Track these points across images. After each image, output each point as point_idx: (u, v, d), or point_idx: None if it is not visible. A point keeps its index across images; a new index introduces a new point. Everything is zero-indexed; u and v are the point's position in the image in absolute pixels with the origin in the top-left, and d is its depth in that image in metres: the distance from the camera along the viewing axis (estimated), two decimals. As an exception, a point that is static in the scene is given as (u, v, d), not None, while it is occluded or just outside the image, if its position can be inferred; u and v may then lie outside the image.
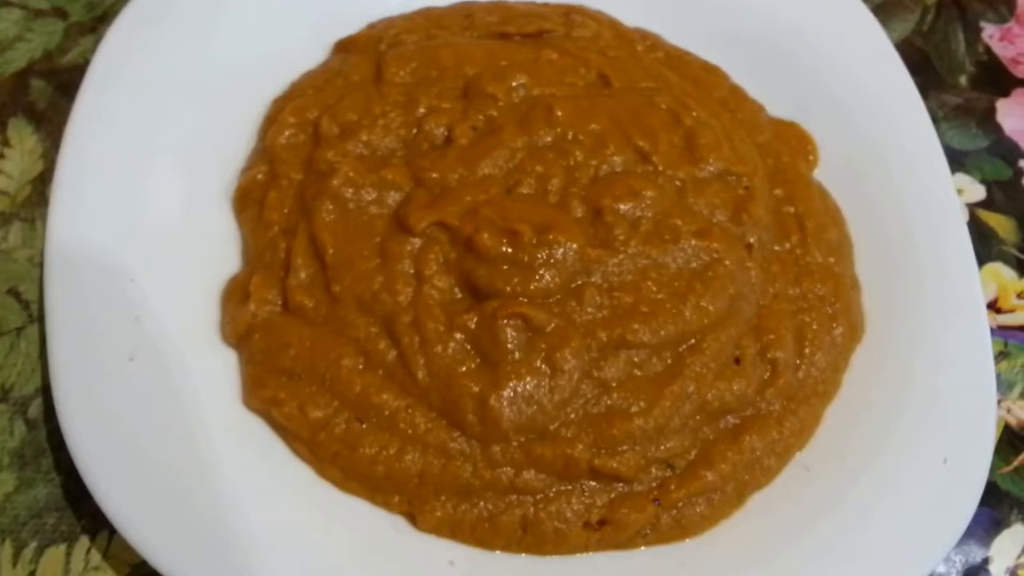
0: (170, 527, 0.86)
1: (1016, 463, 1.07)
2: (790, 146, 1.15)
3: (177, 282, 0.99)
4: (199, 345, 0.97)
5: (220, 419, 0.94)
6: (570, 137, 1.05)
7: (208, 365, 0.96)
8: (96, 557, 0.96)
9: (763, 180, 1.09)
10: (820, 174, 1.15)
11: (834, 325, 1.03)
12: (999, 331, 1.13)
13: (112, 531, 0.95)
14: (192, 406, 0.93)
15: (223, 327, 0.99)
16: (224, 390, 0.96)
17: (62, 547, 0.96)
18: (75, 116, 1.03)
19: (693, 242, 1.00)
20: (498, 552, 0.92)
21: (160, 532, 0.86)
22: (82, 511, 0.97)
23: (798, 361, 1.00)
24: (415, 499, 0.92)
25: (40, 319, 1.04)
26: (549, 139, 1.04)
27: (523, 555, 0.92)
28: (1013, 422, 1.09)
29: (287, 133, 1.07)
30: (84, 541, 0.96)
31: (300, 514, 0.91)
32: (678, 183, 1.04)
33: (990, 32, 1.40)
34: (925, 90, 1.18)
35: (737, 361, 0.98)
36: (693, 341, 0.97)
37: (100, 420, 0.89)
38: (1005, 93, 1.34)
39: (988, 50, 1.38)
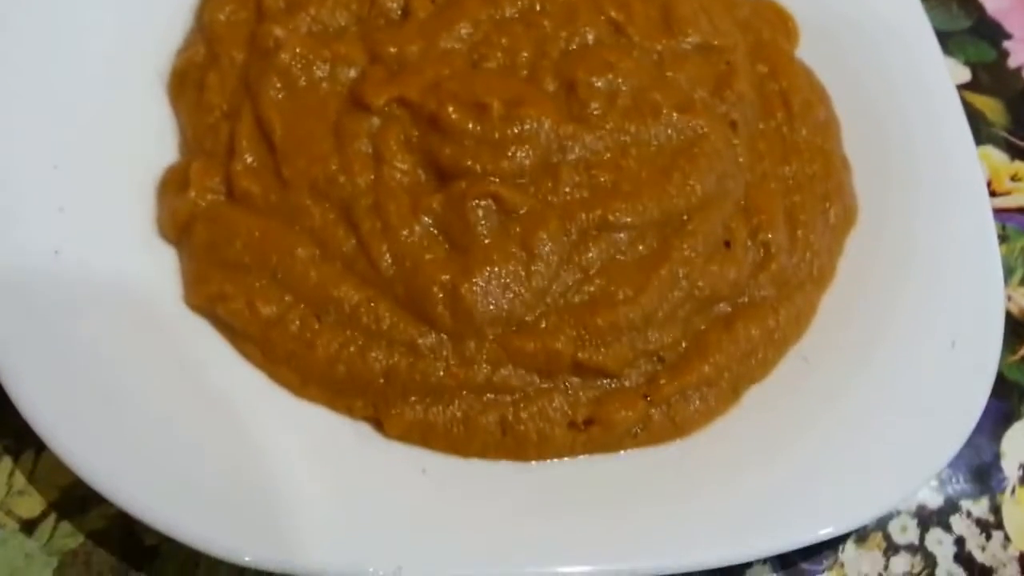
0: (106, 441, 0.77)
1: (1023, 352, 1.00)
2: (770, 23, 1.07)
3: (105, 173, 0.89)
4: (133, 240, 0.87)
5: (158, 320, 0.84)
6: (538, 8, 0.96)
7: (143, 262, 0.87)
8: (20, 480, 0.87)
9: (744, 55, 1.02)
10: (801, 53, 1.07)
11: (827, 205, 0.96)
12: (996, 214, 1.05)
13: (39, 450, 0.87)
14: (126, 306, 0.83)
15: (160, 220, 0.89)
16: (162, 289, 0.86)
17: (-18, 470, 0.87)
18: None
19: (675, 116, 0.92)
20: (474, 458, 0.84)
21: (96, 446, 0.77)
22: (4, 430, 0.88)
23: (791, 244, 0.93)
24: (380, 402, 0.84)
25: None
26: (515, 11, 0.96)
27: (502, 461, 0.84)
28: (1015, 310, 1.03)
29: (227, 9, 0.97)
30: (7, 463, 0.88)
31: (251, 423, 0.82)
32: (655, 57, 0.96)
33: (967, -91, 1.32)
34: (903, -32, 1.11)
35: (727, 244, 0.90)
36: (679, 223, 0.89)
37: (24, 322, 0.79)
38: (986, -29, 1.27)
39: (967, -73, 1.31)
